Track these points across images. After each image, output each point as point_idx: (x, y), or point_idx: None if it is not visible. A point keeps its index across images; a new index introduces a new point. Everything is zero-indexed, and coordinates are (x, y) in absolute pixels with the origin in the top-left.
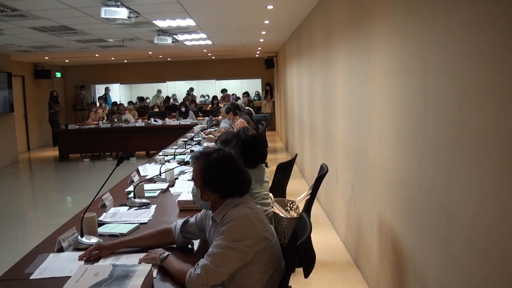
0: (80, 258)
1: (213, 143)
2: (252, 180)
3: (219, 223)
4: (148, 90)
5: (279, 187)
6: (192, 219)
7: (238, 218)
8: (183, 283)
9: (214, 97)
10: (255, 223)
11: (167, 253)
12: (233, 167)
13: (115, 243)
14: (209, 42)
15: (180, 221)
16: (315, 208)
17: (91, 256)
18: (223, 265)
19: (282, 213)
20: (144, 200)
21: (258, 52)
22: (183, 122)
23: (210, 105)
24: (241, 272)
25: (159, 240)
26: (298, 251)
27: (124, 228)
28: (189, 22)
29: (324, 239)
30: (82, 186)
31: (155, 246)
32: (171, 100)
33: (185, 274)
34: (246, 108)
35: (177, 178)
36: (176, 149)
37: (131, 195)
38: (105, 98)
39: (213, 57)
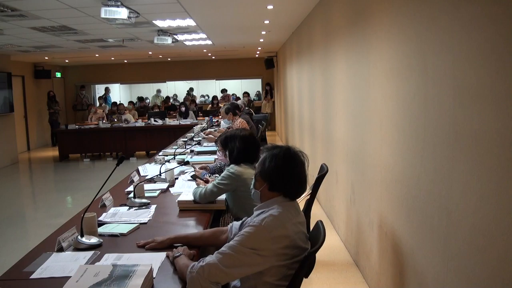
0: (138, 245)
1: (213, 143)
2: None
3: (251, 219)
4: (148, 90)
5: None
6: (248, 220)
7: (260, 227)
8: (185, 277)
9: (214, 97)
10: (275, 239)
11: (180, 252)
12: (292, 165)
13: (170, 238)
14: (209, 42)
15: (237, 223)
16: (315, 208)
17: (147, 246)
18: (229, 266)
19: None
20: (144, 200)
21: (258, 52)
22: (183, 122)
23: (210, 105)
24: (254, 278)
25: (214, 240)
26: (307, 260)
27: (124, 228)
28: (189, 22)
29: None
30: (82, 186)
31: (209, 245)
32: (171, 100)
33: (188, 267)
34: (246, 108)
35: (177, 178)
36: (176, 149)
37: (131, 195)
38: (105, 98)
39: (213, 57)
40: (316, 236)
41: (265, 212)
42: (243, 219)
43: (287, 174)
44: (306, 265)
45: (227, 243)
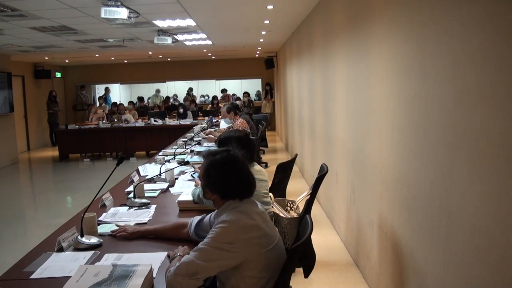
0: (113, 232)
1: (213, 143)
2: (256, 183)
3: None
4: (148, 90)
5: (279, 187)
6: (206, 218)
7: (229, 221)
8: None
9: (214, 97)
10: (246, 229)
11: (178, 253)
12: (237, 169)
13: (140, 231)
14: (209, 42)
15: (196, 218)
16: (315, 208)
17: (118, 233)
18: (208, 260)
19: (282, 213)
20: (144, 200)
21: (258, 52)
22: (183, 122)
23: (210, 105)
24: (234, 275)
25: (176, 233)
26: (295, 253)
27: None
28: (189, 22)
29: (324, 239)
30: (82, 186)
31: (174, 238)
32: (171, 100)
33: (167, 271)
34: (244, 108)
35: (177, 178)
36: (176, 149)
37: (131, 195)
38: (105, 98)
39: (213, 57)
40: (305, 230)
41: (226, 212)
42: (202, 216)
43: (234, 181)
44: (295, 257)
45: (201, 242)
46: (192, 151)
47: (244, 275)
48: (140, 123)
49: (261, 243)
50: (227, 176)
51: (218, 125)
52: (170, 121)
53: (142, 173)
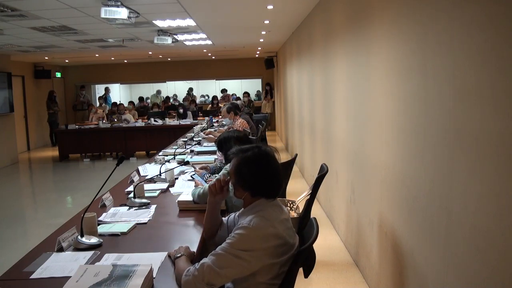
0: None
1: (213, 143)
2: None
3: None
4: (148, 90)
5: None
6: (224, 219)
7: (250, 228)
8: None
9: (214, 97)
10: (265, 238)
11: (182, 253)
12: (267, 166)
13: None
14: (209, 42)
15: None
16: (315, 208)
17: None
18: (223, 267)
19: None
20: (144, 200)
21: (258, 52)
22: (183, 122)
23: (210, 105)
24: (247, 280)
25: (212, 231)
26: (300, 256)
27: (123, 227)
28: (189, 22)
29: (324, 239)
30: (82, 186)
31: (209, 233)
32: (171, 100)
33: (184, 271)
34: (245, 108)
35: (177, 178)
36: (176, 149)
37: (131, 195)
38: (105, 98)
39: (213, 57)
40: (310, 233)
41: (251, 214)
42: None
43: (266, 178)
44: (299, 261)
45: (221, 245)
46: (192, 151)
47: (258, 281)
48: (140, 123)
49: (278, 252)
50: (260, 172)
51: (222, 125)
52: (170, 121)
53: (142, 173)
